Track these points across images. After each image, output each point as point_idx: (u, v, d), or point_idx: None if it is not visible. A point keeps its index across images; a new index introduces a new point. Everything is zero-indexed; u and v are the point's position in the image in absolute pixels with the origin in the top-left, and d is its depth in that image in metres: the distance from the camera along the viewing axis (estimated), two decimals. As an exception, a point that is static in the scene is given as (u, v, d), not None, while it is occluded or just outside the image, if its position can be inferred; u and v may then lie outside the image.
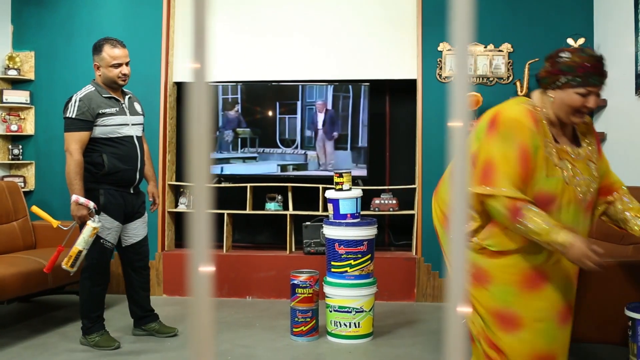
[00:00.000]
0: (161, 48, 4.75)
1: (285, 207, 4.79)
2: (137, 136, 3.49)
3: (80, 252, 3.18)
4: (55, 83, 4.88)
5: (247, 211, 4.72)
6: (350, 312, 3.54)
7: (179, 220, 5.00)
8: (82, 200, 3.20)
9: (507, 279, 2.18)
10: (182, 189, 4.90)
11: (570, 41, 4.30)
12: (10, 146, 4.85)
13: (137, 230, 3.56)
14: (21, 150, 4.85)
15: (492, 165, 2.10)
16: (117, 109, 3.40)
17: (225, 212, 4.73)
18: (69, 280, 4.04)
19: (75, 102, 3.29)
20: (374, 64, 4.67)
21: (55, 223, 3.37)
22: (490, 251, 2.20)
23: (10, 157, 4.83)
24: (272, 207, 4.75)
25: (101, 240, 3.32)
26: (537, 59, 4.36)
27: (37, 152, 4.92)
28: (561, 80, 2.10)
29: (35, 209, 3.45)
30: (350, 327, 3.54)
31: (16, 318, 4.05)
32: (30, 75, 4.88)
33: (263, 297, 4.60)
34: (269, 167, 4.76)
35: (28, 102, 4.84)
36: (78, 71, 4.85)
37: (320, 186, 4.62)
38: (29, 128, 4.89)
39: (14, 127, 4.79)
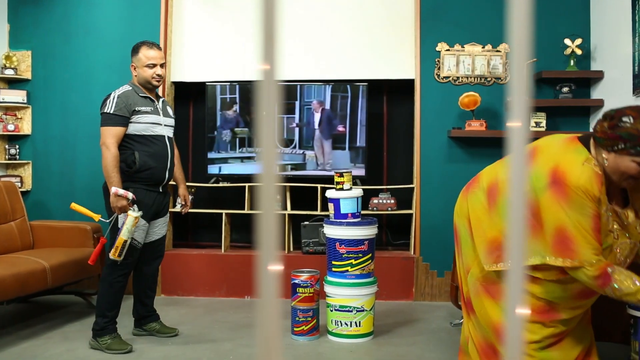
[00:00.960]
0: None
1: (284, 207, 4.79)
2: (168, 137, 3.54)
3: (125, 242, 3.25)
4: (52, 83, 4.86)
5: (246, 211, 4.72)
6: (351, 311, 3.55)
7: (177, 219, 4.99)
8: (122, 191, 3.25)
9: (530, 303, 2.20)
10: (180, 189, 4.89)
11: (567, 41, 4.34)
12: (7, 146, 4.83)
13: (158, 229, 3.60)
14: (18, 150, 4.83)
15: (568, 236, 2.06)
16: (152, 108, 3.47)
17: (224, 211, 4.72)
18: (68, 281, 4.03)
19: (113, 99, 3.37)
20: (372, 64, 4.68)
21: (96, 217, 3.43)
22: (532, 277, 2.21)
23: (7, 157, 4.80)
24: (270, 207, 4.75)
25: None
26: (535, 59, 4.39)
27: (34, 152, 4.89)
28: (619, 146, 2.05)
29: (74, 205, 3.50)
30: (351, 326, 3.55)
31: (15, 318, 4.04)
32: (27, 75, 4.85)
33: (262, 296, 4.60)
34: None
35: (25, 101, 4.82)
36: (75, 70, 4.84)
37: (319, 186, 4.63)
38: (26, 128, 4.87)
39: (10, 127, 4.77)
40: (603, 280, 2.04)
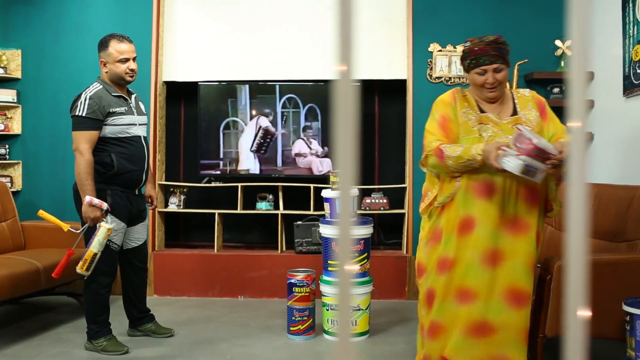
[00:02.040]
0: (151, 47, 4.71)
1: (276, 207, 4.79)
2: (143, 136, 3.45)
3: (95, 254, 3.11)
4: (43, 82, 4.82)
5: (238, 211, 4.71)
6: (347, 310, 3.56)
7: (169, 220, 4.98)
8: (96, 201, 3.13)
9: (450, 228, 2.65)
10: (172, 189, 4.88)
11: (558, 42, 4.39)
12: (-4, 145, 4.78)
13: (139, 234, 3.54)
14: (8, 150, 4.78)
15: (424, 138, 2.73)
16: (126, 108, 3.35)
17: (216, 211, 4.72)
18: (60, 282, 4.00)
19: (85, 100, 3.20)
20: (364, 64, 4.69)
21: (65, 227, 3.29)
22: (439, 209, 2.70)
23: (-4, 156, 4.76)
24: (263, 207, 4.76)
25: (107, 242, 3.25)
26: (526, 60, 4.43)
27: (24, 151, 4.85)
28: (465, 64, 2.71)
29: (42, 213, 3.36)
30: (347, 325, 3.56)
31: (6, 320, 4.00)
32: (17, 74, 4.81)
33: (255, 296, 4.60)
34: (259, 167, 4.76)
35: (15, 101, 4.77)
36: (66, 70, 4.80)
37: (312, 185, 4.64)
38: (16, 127, 4.82)
39: (0, 127, 4.71)
40: (439, 155, 2.59)
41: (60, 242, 4.26)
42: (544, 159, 2.37)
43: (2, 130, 4.72)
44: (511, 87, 4.43)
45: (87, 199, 3.12)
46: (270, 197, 4.80)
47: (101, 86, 3.31)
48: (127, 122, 3.32)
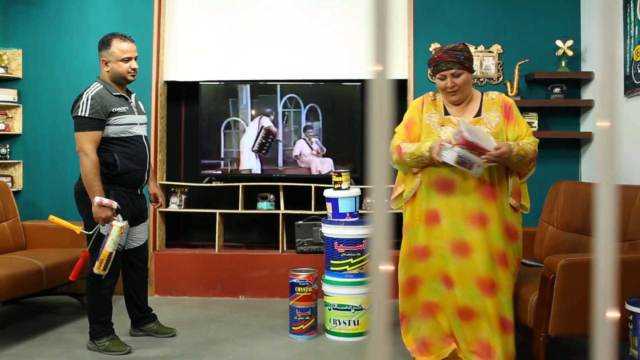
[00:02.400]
0: (152, 47, 4.71)
1: (277, 207, 4.80)
2: (144, 136, 3.44)
3: (110, 254, 3.11)
4: (44, 81, 4.82)
5: (240, 210, 4.71)
6: (350, 310, 3.57)
7: (170, 219, 4.98)
8: (106, 201, 3.11)
9: (417, 220, 2.91)
10: (172, 189, 4.88)
11: (559, 43, 4.40)
12: (-3, 145, 4.78)
13: (141, 235, 3.54)
14: (8, 150, 4.77)
15: (392, 138, 2.98)
16: (127, 107, 3.34)
17: (217, 211, 4.72)
18: (63, 282, 4.00)
19: (87, 101, 3.18)
20: (365, 64, 4.70)
21: (77, 229, 3.28)
22: (406, 204, 2.97)
23: (-3, 156, 4.76)
24: (264, 207, 4.76)
25: None
26: (527, 60, 4.45)
27: (25, 151, 4.84)
28: (430, 71, 3.11)
29: (53, 218, 3.34)
30: (349, 324, 3.57)
31: (7, 320, 3.99)
32: (18, 74, 4.80)
33: (256, 296, 4.61)
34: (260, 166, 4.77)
35: (16, 100, 4.76)
36: (67, 69, 4.80)
37: (313, 185, 4.64)
38: (17, 127, 4.81)
39: (1, 126, 4.71)
40: (399, 150, 2.88)
41: (61, 242, 4.27)
42: (480, 152, 2.61)
43: (3, 130, 4.72)
44: (513, 88, 4.45)
45: (97, 199, 3.10)
46: (272, 197, 4.80)
47: (102, 86, 3.29)
48: (128, 122, 3.31)
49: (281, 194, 4.75)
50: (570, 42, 4.38)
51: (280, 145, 4.75)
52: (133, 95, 3.48)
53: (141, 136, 3.41)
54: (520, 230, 2.97)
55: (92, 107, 3.17)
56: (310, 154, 4.74)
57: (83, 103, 3.18)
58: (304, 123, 4.74)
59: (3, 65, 4.73)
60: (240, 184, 4.71)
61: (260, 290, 4.61)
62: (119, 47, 3.29)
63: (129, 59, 3.31)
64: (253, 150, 4.73)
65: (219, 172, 4.79)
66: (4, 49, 4.80)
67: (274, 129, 4.72)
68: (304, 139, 4.73)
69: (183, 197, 4.83)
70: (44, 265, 3.75)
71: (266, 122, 4.72)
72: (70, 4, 4.81)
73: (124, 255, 3.46)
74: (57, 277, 3.87)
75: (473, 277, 2.80)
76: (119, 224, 3.14)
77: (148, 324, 3.64)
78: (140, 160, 3.37)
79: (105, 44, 3.32)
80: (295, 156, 4.73)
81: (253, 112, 4.74)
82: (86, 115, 3.16)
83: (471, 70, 2.90)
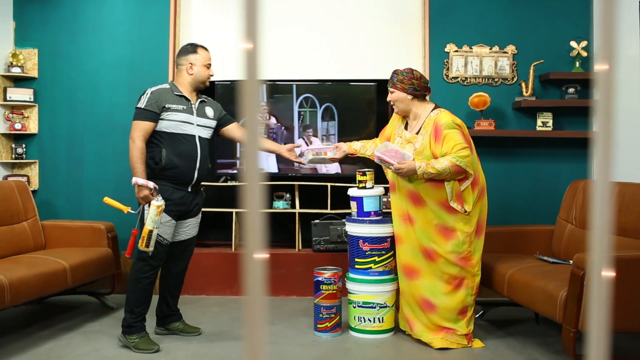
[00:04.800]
0: (168, 46, 4.73)
1: (292, 206, 4.83)
2: (200, 137, 3.50)
3: (151, 231, 3.25)
4: (59, 81, 4.82)
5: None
6: (375, 307, 3.61)
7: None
8: (142, 181, 3.27)
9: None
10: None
11: (573, 44, 4.47)
12: (13, 145, 4.76)
13: (188, 229, 3.60)
14: (24, 149, 4.77)
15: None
16: (185, 107, 3.45)
17: (234, 210, 4.74)
18: (86, 280, 4.01)
19: (147, 94, 3.41)
20: (380, 64, 4.75)
21: (125, 209, 3.42)
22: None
23: (13, 156, 4.74)
24: (280, 206, 4.79)
25: (158, 238, 3.34)
26: (541, 61, 4.51)
27: (40, 150, 4.84)
28: None
29: (107, 199, 3.48)
30: (374, 322, 3.61)
31: (32, 319, 3.99)
32: (34, 73, 4.80)
33: (274, 294, 4.64)
34: (276, 165, 4.80)
35: (32, 100, 4.76)
36: (82, 69, 4.81)
37: (329, 184, 4.68)
38: (33, 126, 4.81)
39: (17, 126, 4.71)
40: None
41: (79, 242, 4.29)
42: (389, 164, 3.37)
43: (19, 130, 4.71)
44: (528, 88, 4.51)
45: (134, 179, 3.28)
46: (287, 196, 4.83)
47: (168, 86, 3.50)
48: (181, 119, 3.43)
49: (296, 193, 4.79)
50: (584, 43, 4.45)
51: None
52: (199, 100, 3.55)
53: (194, 136, 3.47)
54: (463, 228, 3.38)
55: (149, 100, 3.38)
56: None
57: (144, 96, 3.42)
58: (319, 123, 4.77)
59: (19, 64, 4.72)
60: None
61: (277, 288, 4.64)
62: (204, 54, 3.54)
63: (210, 66, 3.55)
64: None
65: (235, 171, 4.81)
66: (20, 49, 4.79)
67: (270, 120, 4.75)
68: (319, 138, 4.76)
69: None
70: (68, 264, 3.76)
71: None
72: (86, 3, 4.81)
73: (169, 249, 3.51)
74: (81, 276, 3.89)
75: (400, 264, 3.57)
76: (156, 202, 3.26)
77: (174, 322, 3.67)
78: (188, 158, 3.44)
79: (190, 49, 3.54)
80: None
81: (268, 111, 4.77)
82: (142, 106, 3.39)
83: (405, 91, 3.49)
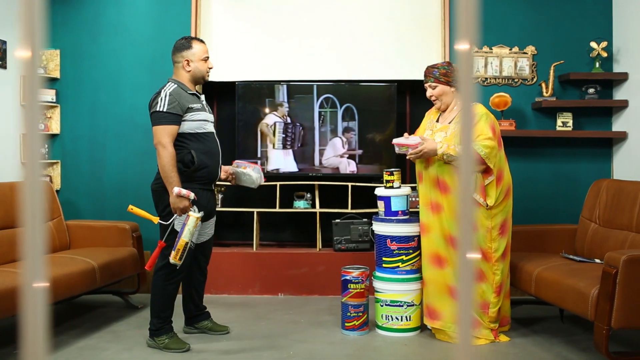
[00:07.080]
0: (189, 47, 4.74)
1: (313, 205, 4.86)
2: (215, 133, 3.53)
3: (187, 244, 3.18)
4: (81, 82, 4.84)
5: (277, 209, 4.77)
6: (402, 306, 3.64)
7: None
8: (184, 192, 3.17)
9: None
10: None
11: (593, 44, 4.50)
12: (35, 145, 4.78)
13: (209, 230, 3.60)
14: (47, 150, 4.79)
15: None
16: (200, 105, 3.43)
17: (255, 210, 4.77)
18: (113, 280, 4.04)
19: (166, 96, 3.27)
20: (399, 64, 4.77)
21: (155, 220, 3.33)
22: None
23: (35, 156, 4.76)
24: (301, 205, 4.82)
25: None
26: (562, 61, 4.54)
27: (62, 151, 4.86)
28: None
29: (133, 208, 3.37)
30: (401, 320, 3.65)
31: (59, 319, 4.01)
32: (56, 74, 4.82)
33: (295, 294, 4.66)
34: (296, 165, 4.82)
35: (54, 100, 4.79)
36: (104, 70, 4.83)
37: (349, 184, 4.71)
38: (55, 127, 4.83)
39: (39, 126, 4.72)
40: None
41: (104, 241, 4.32)
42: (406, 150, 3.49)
43: (41, 130, 4.73)
44: (549, 89, 4.54)
45: (176, 190, 3.17)
46: (308, 195, 4.86)
47: (176, 85, 3.38)
48: (202, 118, 3.40)
49: (317, 192, 4.81)
50: (604, 44, 4.48)
51: (317, 144, 4.80)
52: (202, 96, 3.54)
53: (213, 133, 3.49)
54: (484, 222, 3.41)
55: (171, 102, 3.26)
56: (343, 153, 4.79)
57: (162, 99, 3.27)
58: (340, 123, 4.80)
59: (41, 65, 4.74)
60: (277, 183, 4.77)
61: (299, 287, 4.66)
62: (200, 48, 3.43)
63: (207, 59, 3.45)
64: (276, 148, 4.79)
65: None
66: (42, 50, 4.80)
67: (286, 120, 4.78)
68: (340, 138, 4.79)
69: (220, 196, 4.87)
70: (97, 264, 3.79)
71: (271, 119, 4.78)
72: (108, 4, 4.84)
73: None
74: (108, 275, 3.92)
75: (427, 254, 3.59)
76: (195, 214, 3.20)
77: (202, 321, 3.69)
78: (214, 156, 3.45)
79: (185, 45, 3.42)
80: (332, 155, 4.79)
81: (289, 111, 4.80)
82: (164, 110, 3.25)
83: (449, 84, 3.48)
